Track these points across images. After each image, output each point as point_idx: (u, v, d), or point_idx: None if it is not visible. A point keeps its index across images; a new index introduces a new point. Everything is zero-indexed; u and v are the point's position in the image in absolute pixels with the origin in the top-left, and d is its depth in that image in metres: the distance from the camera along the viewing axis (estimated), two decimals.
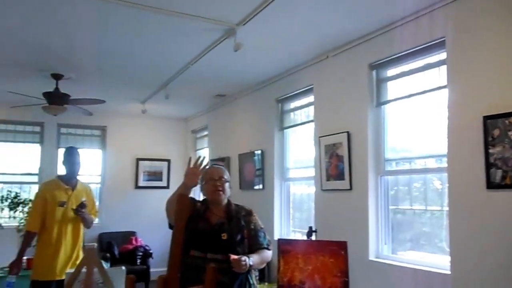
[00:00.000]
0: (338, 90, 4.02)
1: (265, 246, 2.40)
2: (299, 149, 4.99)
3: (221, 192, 2.41)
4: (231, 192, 2.49)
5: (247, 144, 5.60)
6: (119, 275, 2.25)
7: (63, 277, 3.30)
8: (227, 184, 2.43)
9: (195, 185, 2.32)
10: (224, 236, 2.31)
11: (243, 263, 2.14)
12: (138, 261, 6.45)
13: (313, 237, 2.52)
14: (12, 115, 6.51)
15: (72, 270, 1.90)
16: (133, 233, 7.11)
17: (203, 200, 2.49)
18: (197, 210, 2.43)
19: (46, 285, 3.44)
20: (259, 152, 5.27)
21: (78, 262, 3.33)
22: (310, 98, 4.52)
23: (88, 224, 3.67)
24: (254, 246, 2.38)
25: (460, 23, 2.83)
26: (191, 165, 2.34)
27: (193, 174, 2.31)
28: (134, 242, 6.83)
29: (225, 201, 2.45)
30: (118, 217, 7.15)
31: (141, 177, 7.50)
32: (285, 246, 2.30)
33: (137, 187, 7.49)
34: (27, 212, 5.50)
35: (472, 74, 2.76)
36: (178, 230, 1.62)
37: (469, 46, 2.78)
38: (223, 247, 2.29)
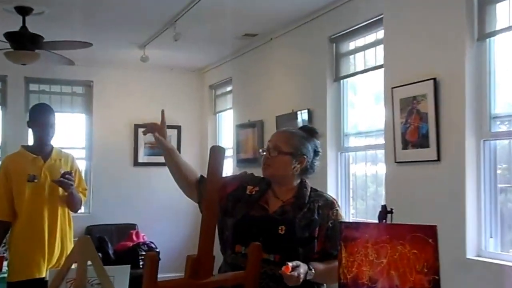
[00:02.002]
0: (419, 21, 3.94)
1: None
2: (362, 107, 4.95)
3: (266, 167, 2.43)
4: (297, 170, 2.39)
5: (288, 102, 5.60)
6: (121, 274, 2.33)
7: (43, 275, 3.48)
8: (284, 157, 2.39)
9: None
10: (282, 229, 2.32)
11: (295, 278, 2.14)
12: (141, 263, 6.61)
13: (389, 220, 2.49)
14: None
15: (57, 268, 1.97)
16: (132, 226, 7.30)
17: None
18: (250, 189, 2.47)
19: (24, 286, 3.55)
20: (305, 112, 5.28)
21: (64, 256, 3.51)
22: (379, 34, 4.47)
23: (75, 203, 3.71)
24: (325, 252, 2.37)
25: None
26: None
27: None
28: (134, 237, 7.01)
29: (294, 181, 2.43)
30: (112, 205, 7.35)
31: (141, 150, 7.64)
32: (349, 232, 2.28)
33: (137, 164, 7.63)
34: None
35: None
36: (209, 201, 1.66)
37: None
38: (280, 245, 2.30)
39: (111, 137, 7.51)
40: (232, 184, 2.47)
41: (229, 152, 7.39)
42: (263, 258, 2.14)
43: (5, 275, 3.68)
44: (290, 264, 2.12)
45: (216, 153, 1.64)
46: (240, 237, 2.34)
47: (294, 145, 2.39)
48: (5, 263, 3.77)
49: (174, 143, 7.58)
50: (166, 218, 7.58)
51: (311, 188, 2.45)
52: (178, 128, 7.78)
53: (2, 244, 3.86)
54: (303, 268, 2.17)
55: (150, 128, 2.63)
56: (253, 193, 2.44)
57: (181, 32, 5.40)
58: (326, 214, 2.38)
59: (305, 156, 2.39)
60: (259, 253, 1.78)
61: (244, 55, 6.64)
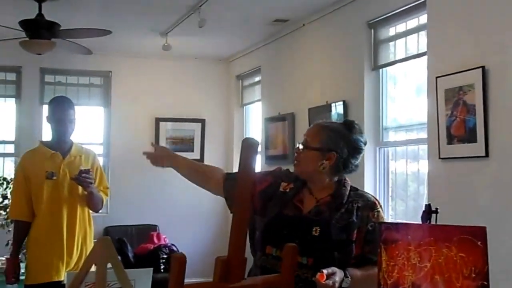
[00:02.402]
0: (466, 4, 3.91)
1: None
2: (403, 98, 4.94)
3: (295, 163, 2.44)
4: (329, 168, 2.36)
5: (321, 94, 5.61)
6: (143, 278, 2.35)
7: (62, 278, 3.54)
8: (311, 153, 2.39)
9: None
10: (316, 231, 2.32)
11: (330, 287, 2.13)
12: (162, 266, 6.70)
13: (433, 221, 2.47)
14: None
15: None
16: (153, 227, 7.39)
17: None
18: (283, 186, 2.47)
19: None
20: (340, 104, 5.28)
21: (83, 259, 3.55)
22: (422, 19, 4.45)
23: (96, 203, 3.76)
24: (364, 257, 2.35)
25: None
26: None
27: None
28: (155, 239, 7.09)
29: (328, 179, 2.42)
30: (132, 205, 7.43)
31: (163, 145, 7.57)
32: (390, 233, 2.27)
33: (161, 147, 7.65)
34: (4, 196, 5.79)
35: None
36: (241, 203, 1.67)
37: None
38: (313, 247, 2.30)
39: (131, 132, 7.57)
40: (265, 180, 2.48)
41: None
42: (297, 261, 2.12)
43: (23, 277, 3.75)
44: (325, 271, 2.11)
45: (249, 146, 1.61)
46: (271, 238, 2.35)
47: (322, 140, 2.37)
48: (22, 265, 3.84)
49: (197, 138, 7.72)
50: (188, 219, 7.63)
51: (351, 187, 2.44)
52: (202, 121, 7.84)
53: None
54: (339, 275, 2.16)
55: (155, 161, 2.72)
56: (287, 190, 2.44)
57: (206, 18, 5.43)
58: (366, 215, 2.36)
59: (334, 153, 2.34)
60: (295, 255, 1.76)
61: (274, 43, 6.65)
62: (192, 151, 7.75)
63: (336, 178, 2.42)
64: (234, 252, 1.58)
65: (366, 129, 4.97)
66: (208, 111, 7.88)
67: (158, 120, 7.69)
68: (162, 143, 7.66)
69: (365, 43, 5.05)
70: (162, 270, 6.67)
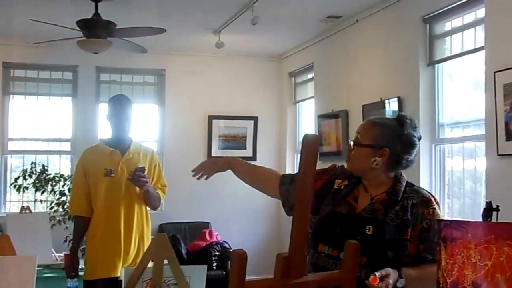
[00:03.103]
0: None
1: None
2: (459, 94, 4.89)
3: (348, 160, 2.43)
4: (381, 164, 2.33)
5: (376, 90, 5.58)
6: (198, 275, 2.39)
7: (119, 274, 3.63)
8: (363, 150, 2.36)
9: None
10: (370, 229, 2.29)
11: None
12: (214, 264, 6.78)
13: (494, 219, 2.42)
14: (34, 56, 6.99)
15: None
16: (206, 225, 7.49)
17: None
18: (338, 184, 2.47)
19: (98, 286, 3.72)
20: (395, 100, 5.26)
21: (140, 256, 3.61)
22: (479, 13, 4.40)
23: (153, 201, 3.82)
24: (418, 256, 2.31)
25: None
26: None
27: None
28: (207, 237, 7.18)
29: (382, 176, 2.38)
30: (185, 202, 7.51)
31: (215, 143, 7.81)
32: (449, 231, 2.24)
33: (210, 157, 7.71)
34: (62, 193, 5.95)
35: None
36: (302, 203, 1.68)
37: None
38: (367, 246, 2.21)
39: (184, 130, 7.67)
40: (320, 179, 2.47)
41: None
42: None
43: (82, 273, 3.86)
44: (377, 274, 2.07)
45: (310, 142, 1.59)
46: (323, 236, 2.35)
47: (373, 136, 2.34)
48: (81, 261, 3.96)
49: (250, 136, 7.76)
50: (240, 217, 7.68)
51: (407, 182, 2.40)
52: (255, 119, 7.88)
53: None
54: (392, 276, 2.12)
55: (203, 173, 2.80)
56: (342, 187, 2.43)
57: (259, 15, 5.46)
58: (421, 213, 2.32)
59: (387, 149, 2.31)
60: (357, 253, 1.75)
61: (327, 39, 6.64)
62: (245, 148, 7.82)
63: (392, 174, 2.39)
64: (295, 249, 1.57)
65: (422, 126, 4.91)
66: (260, 109, 7.91)
67: (210, 118, 7.75)
68: (215, 140, 7.76)
69: (420, 38, 5.00)
70: (214, 267, 6.74)
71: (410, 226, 2.29)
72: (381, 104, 5.43)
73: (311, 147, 1.58)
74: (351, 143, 2.39)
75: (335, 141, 6.41)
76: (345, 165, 2.48)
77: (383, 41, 5.57)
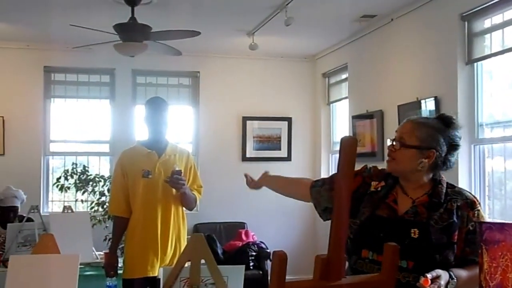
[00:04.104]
0: None
1: None
2: (499, 93, 4.74)
3: (389, 161, 2.35)
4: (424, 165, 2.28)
5: (411, 90, 5.47)
6: (235, 275, 2.38)
7: (157, 274, 3.65)
8: (409, 151, 2.29)
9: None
10: (415, 233, 2.23)
11: None
12: (251, 264, 6.73)
13: None
14: (73, 60, 7.09)
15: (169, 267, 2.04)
16: (242, 225, 7.45)
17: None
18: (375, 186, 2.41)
19: (136, 285, 3.74)
20: (431, 100, 5.12)
21: (177, 256, 3.65)
22: None
23: (189, 202, 3.85)
24: (464, 258, 2.26)
25: None
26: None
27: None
28: (243, 237, 7.15)
29: (424, 177, 2.32)
30: (220, 202, 7.50)
31: (250, 144, 7.77)
32: (491, 234, 2.16)
33: (245, 158, 7.76)
34: (101, 193, 6.02)
35: None
36: (341, 203, 1.62)
37: None
38: (412, 250, 2.22)
39: (218, 131, 7.66)
40: (354, 181, 2.38)
41: None
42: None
43: (121, 271, 3.89)
44: (429, 275, 2.02)
45: (348, 144, 1.56)
46: (366, 241, 2.29)
47: (420, 137, 2.27)
48: (120, 260, 3.99)
49: (284, 136, 7.74)
50: (277, 217, 7.62)
51: (447, 184, 2.33)
52: (289, 120, 7.82)
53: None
54: (444, 278, 2.07)
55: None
56: (379, 189, 2.37)
57: (293, 16, 5.42)
58: (466, 215, 2.25)
59: (434, 151, 2.25)
60: (396, 255, 1.70)
61: (361, 39, 6.57)
62: (279, 149, 7.77)
63: (431, 176, 2.32)
64: (334, 250, 1.54)
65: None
66: (294, 109, 7.85)
67: (245, 119, 7.72)
68: (249, 141, 7.74)
69: (458, 36, 4.86)
70: (251, 267, 6.69)
71: (457, 229, 2.23)
72: (417, 104, 5.31)
73: (349, 149, 1.56)
74: (396, 143, 2.31)
75: (370, 142, 6.29)
76: (380, 166, 2.43)
77: (419, 40, 5.46)
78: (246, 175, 2.87)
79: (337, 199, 1.58)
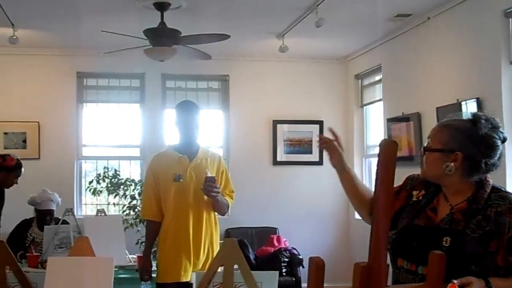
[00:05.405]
0: None
1: None
2: None
3: (420, 167, 2.28)
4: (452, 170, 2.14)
5: (451, 91, 5.30)
6: (269, 281, 2.36)
7: (189, 279, 3.65)
8: (433, 155, 2.19)
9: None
10: (447, 241, 2.10)
11: None
12: (283, 270, 6.62)
13: None
14: (104, 65, 7.12)
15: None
16: (273, 230, 7.32)
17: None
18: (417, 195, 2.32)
19: None
20: (473, 101, 4.93)
21: (210, 261, 3.64)
22: None
23: (222, 208, 3.84)
24: (509, 267, 2.08)
25: None
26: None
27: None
28: (275, 242, 7.03)
29: (460, 182, 2.17)
30: (251, 207, 7.38)
31: (280, 148, 7.64)
32: None
33: (276, 162, 7.62)
34: (132, 197, 6.03)
35: None
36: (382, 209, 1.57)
37: None
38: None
39: (249, 134, 7.60)
40: (399, 198, 2.33)
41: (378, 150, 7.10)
42: (425, 274, 1.93)
43: (154, 275, 3.91)
44: (456, 281, 1.89)
45: (388, 149, 1.51)
46: (401, 250, 2.22)
47: (443, 140, 2.18)
48: (154, 263, 4.00)
49: (316, 140, 7.51)
50: (309, 223, 7.51)
51: (493, 187, 2.16)
52: (320, 123, 7.67)
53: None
54: (476, 286, 1.93)
55: (325, 145, 2.64)
56: (420, 198, 2.29)
57: (324, 17, 5.34)
58: (508, 221, 2.08)
59: (459, 153, 2.12)
60: (442, 264, 1.62)
61: (396, 39, 6.42)
62: (311, 153, 7.61)
63: (474, 180, 2.17)
64: (375, 258, 1.50)
65: (506, 127, 4.54)
66: (326, 112, 7.71)
67: (275, 122, 7.61)
68: (280, 145, 7.63)
69: (502, 34, 4.66)
70: (284, 274, 6.59)
71: (495, 238, 2.08)
72: (457, 106, 5.11)
73: (388, 153, 1.52)
74: (422, 148, 2.27)
75: (407, 146, 6.08)
76: (418, 171, 2.33)
77: (459, 39, 5.28)
78: (320, 137, 2.68)
79: (377, 205, 1.52)
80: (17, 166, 4.88)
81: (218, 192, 3.68)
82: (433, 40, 5.67)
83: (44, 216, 4.94)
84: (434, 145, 2.20)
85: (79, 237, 3.39)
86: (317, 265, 1.46)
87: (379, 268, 1.50)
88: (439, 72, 5.57)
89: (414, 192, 2.32)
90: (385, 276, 1.55)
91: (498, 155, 2.15)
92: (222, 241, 3.87)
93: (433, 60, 5.69)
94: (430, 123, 5.52)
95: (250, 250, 6.86)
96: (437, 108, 5.41)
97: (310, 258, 1.48)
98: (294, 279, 6.59)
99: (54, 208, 5.05)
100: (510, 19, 4.60)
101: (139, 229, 5.62)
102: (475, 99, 4.87)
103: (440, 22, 5.55)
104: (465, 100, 5.01)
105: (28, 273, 2.29)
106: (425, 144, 2.24)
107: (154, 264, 3.98)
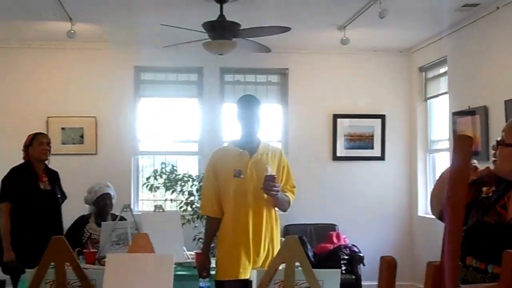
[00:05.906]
0: None
1: None
2: None
3: (493, 162, 2.26)
4: None
5: None
6: (331, 279, 2.34)
7: (248, 276, 3.61)
8: (506, 150, 2.19)
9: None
10: None
11: None
12: (343, 267, 6.55)
13: None
14: (162, 59, 7.12)
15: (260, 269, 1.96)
16: (332, 227, 7.25)
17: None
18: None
19: (228, 286, 3.72)
20: None
21: (270, 259, 3.61)
22: None
23: (283, 205, 3.80)
24: None
25: None
26: None
27: None
28: (335, 239, 6.95)
29: None
30: (310, 203, 7.30)
31: (341, 143, 7.55)
32: None
33: (336, 158, 7.54)
34: (190, 193, 6.00)
35: None
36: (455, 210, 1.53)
37: None
38: None
39: (308, 129, 7.53)
40: (470, 192, 2.24)
41: (443, 145, 6.93)
42: (497, 273, 1.98)
43: (213, 272, 3.89)
44: None
45: (463, 144, 1.48)
46: (471, 248, 2.17)
47: None
48: (213, 260, 3.99)
49: (377, 134, 7.53)
50: (370, 219, 7.40)
51: None
52: (382, 117, 7.55)
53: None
54: None
55: None
56: (490, 194, 2.26)
57: (387, 8, 5.26)
58: None
59: None
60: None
61: (462, 30, 6.23)
62: (372, 148, 7.51)
63: None
64: (448, 258, 1.48)
65: None
66: (388, 106, 7.56)
67: (335, 117, 7.51)
68: (340, 140, 7.54)
69: None
70: (343, 272, 6.51)
71: None
72: None
73: (464, 148, 1.50)
74: (495, 143, 2.25)
75: (473, 140, 5.87)
76: (484, 166, 2.28)
77: None
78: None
79: (451, 202, 1.49)
80: (33, 137, 4.95)
81: (278, 191, 3.63)
82: (502, 30, 5.49)
83: (103, 203, 5.04)
84: (508, 139, 2.18)
85: (138, 233, 3.45)
86: (389, 264, 1.45)
87: (452, 268, 1.48)
88: (508, 64, 5.40)
89: (484, 188, 2.27)
90: (457, 276, 1.53)
91: None
92: (282, 238, 3.83)
93: (501, 52, 5.51)
94: (497, 117, 5.42)
95: (309, 247, 6.80)
96: (506, 102, 5.27)
97: (382, 257, 1.47)
98: (354, 277, 6.52)
99: (112, 193, 5.13)
100: None
101: (196, 225, 5.61)
102: None
103: (509, 12, 5.36)
104: None
105: (87, 270, 2.31)
106: (498, 138, 2.20)
107: (212, 261, 3.97)
